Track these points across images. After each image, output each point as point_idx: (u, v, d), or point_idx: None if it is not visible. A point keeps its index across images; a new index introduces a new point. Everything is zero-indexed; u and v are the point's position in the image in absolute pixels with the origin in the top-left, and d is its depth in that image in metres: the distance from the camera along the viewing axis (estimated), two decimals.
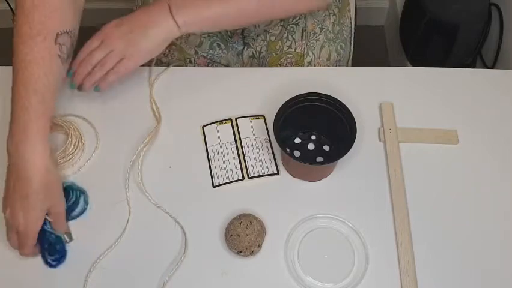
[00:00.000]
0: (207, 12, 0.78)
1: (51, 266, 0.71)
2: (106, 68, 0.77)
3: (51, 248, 0.71)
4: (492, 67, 1.49)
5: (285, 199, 0.77)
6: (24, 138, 0.68)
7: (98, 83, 0.78)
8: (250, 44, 0.96)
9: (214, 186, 0.78)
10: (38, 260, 0.72)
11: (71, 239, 0.73)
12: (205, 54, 0.98)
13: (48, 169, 0.69)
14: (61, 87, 0.76)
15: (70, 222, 0.75)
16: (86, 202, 0.76)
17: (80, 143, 0.81)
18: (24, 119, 0.69)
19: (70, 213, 0.74)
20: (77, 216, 0.75)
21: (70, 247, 0.73)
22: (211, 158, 0.80)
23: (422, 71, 0.91)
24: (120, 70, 0.77)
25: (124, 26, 0.77)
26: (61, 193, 0.72)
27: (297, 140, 0.82)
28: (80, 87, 0.79)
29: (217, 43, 0.96)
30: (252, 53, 0.97)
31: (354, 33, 1.09)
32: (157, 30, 0.77)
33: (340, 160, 0.75)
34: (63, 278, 0.71)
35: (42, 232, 0.70)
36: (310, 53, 0.99)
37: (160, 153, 0.81)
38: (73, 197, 0.75)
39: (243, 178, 0.78)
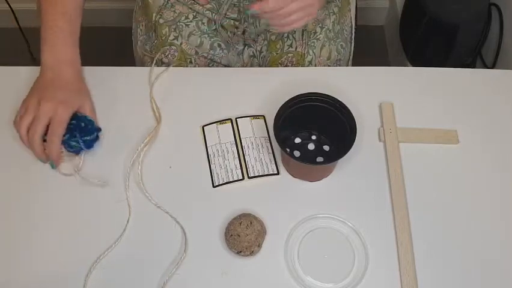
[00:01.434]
0: None
1: (88, 146, 0.79)
2: None
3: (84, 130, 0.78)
4: (492, 67, 1.50)
5: (285, 199, 0.77)
6: (55, 51, 0.81)
7: None
8: (251, 43, 0.96)
9: (214, 186, 0.78)
10: (38, 260, 0.72)
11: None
12: (205, 55, 0.98)
13: (80, 77, 0.83)
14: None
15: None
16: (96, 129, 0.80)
17: None
18: (55, 38, 0.80)
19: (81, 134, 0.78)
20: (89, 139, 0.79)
21: (70, 246, 0.73)
22: (211, 158, 0.80)
23: (422, 71, 0.91)
24: None
25: None
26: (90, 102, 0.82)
27: (297, 140, 0.82)
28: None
29: (218, 43, 0.96)
30: (253, 52, 0.97)
31: (355, 32, 1.09)
32: None
33: (340, 160, 0.75)
34: (63, 278, 0.71)
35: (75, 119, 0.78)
36: (311, 52, 0.99)
37: (160, 153, 0.81)
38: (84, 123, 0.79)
39: (243, 178, 0.78)
